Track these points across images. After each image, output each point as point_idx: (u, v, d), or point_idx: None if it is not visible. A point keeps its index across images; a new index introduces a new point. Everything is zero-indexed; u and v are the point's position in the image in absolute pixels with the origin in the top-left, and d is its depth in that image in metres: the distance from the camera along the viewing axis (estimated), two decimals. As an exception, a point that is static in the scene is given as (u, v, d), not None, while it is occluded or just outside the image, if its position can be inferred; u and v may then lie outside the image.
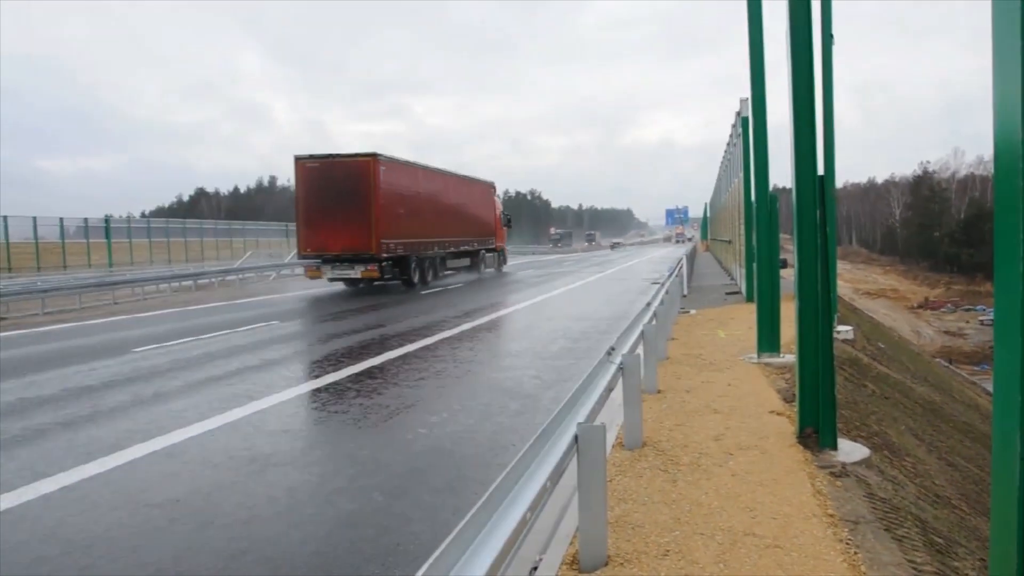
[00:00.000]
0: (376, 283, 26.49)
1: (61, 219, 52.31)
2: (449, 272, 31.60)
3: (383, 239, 25.01)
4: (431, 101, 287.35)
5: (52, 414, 8.58)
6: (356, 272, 25.46)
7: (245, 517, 5.20)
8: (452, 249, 31.64)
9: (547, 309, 19.22)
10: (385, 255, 25.21)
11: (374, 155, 24.99)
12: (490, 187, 39.68)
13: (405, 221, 26.71)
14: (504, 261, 41.46)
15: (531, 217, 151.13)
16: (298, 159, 26.09)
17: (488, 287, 28.55)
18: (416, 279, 27.39)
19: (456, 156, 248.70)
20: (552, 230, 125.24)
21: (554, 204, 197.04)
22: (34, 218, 49.53)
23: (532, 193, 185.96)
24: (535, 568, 4.20)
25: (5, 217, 47.32)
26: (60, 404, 9.11)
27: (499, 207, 41.10)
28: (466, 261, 33.99)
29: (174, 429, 7.60)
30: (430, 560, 2.31)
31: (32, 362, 12.81)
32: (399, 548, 4.58)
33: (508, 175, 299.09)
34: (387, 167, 25.67)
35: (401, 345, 12.87)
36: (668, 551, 4.21)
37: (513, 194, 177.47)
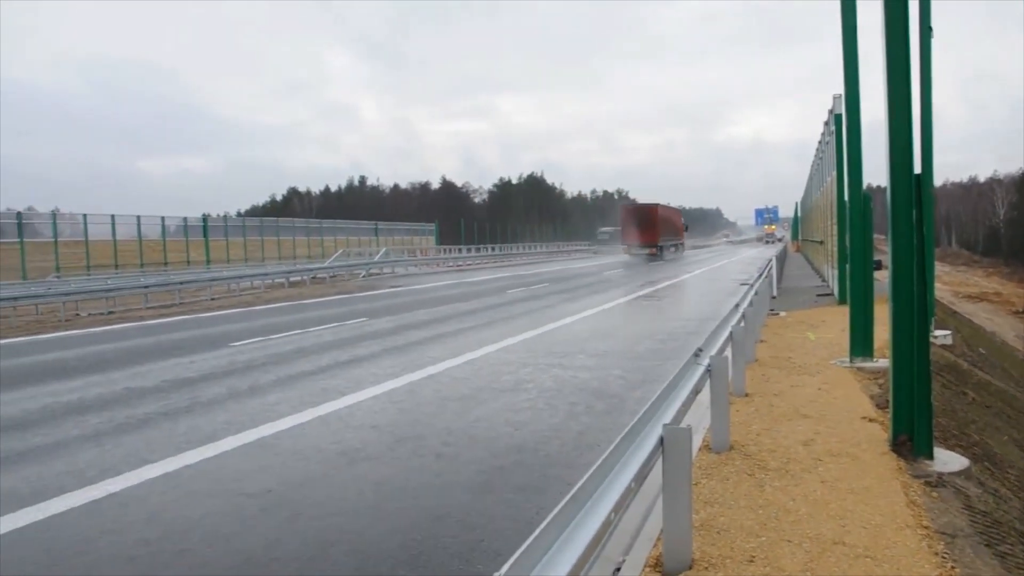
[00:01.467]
0: (652, 258, 55.80)
1: (163, 218, 54.28)
2: (671, 252, 63.66)
3: (657, 239, 57.54)
4: (518, 99, 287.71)
5: (154, 404, 8.96)
6: (645, 252, 56.67)
7: (334, 509, 5.33)
8: (671, 242, 65.39)
9: (633, 309, 19.10)
10: (656, 245, 57.57)
11: (656, 204, 61.05)
12: (680, 211, 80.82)
13: (660, 230, 58.88)
14: (683, 249, 74.56)
15: (617, 216, 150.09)
16: (623, 205, 73.39)
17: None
18: (661, 256, 57.96)
19: (542, 154, 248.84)
20: (600, 229, 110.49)
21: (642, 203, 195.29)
22: (138, 217, 51.56)
23: (619, 192, 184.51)
24: (618, 569, 4.20)
25: (112, 216, 49.43)
26: (161, 395, 9.50)
27: (682, 220, 76.51)
28: (673, 250, 66.25)
29: (267, 422, 7.85)
30: (513, 557, 2.33)
31: (136, 354, 13.38)
32: (482, 544, 4.63)
33: (596, 173, 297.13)
34: (659, 207, 60.57)
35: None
36: (754, 557, 4.15)
37: (600, 193, 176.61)
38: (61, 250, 46.38)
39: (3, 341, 17.16)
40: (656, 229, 57.58)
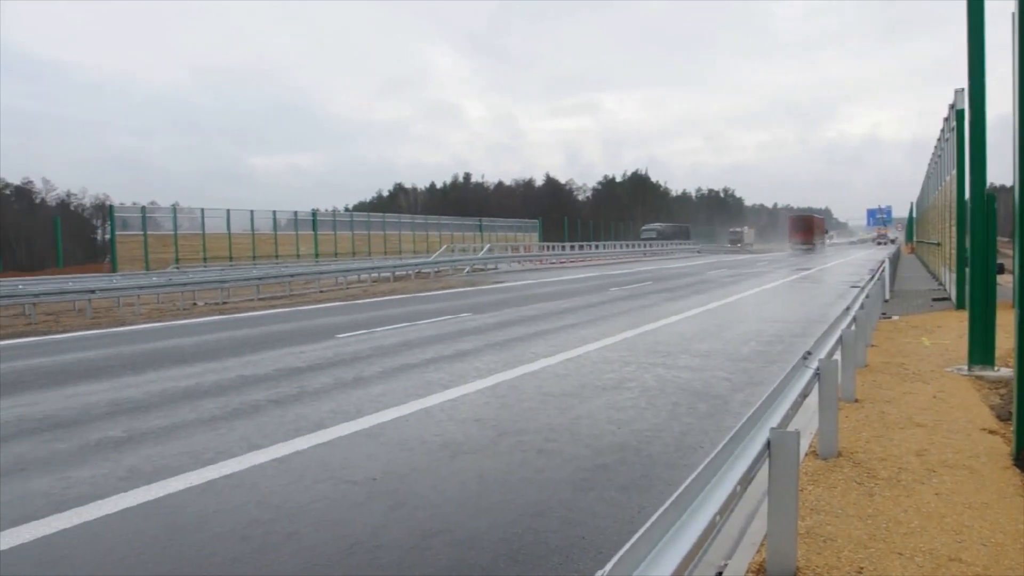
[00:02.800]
0: (809, 250, 78.39)
1: (274, 212, 56.04)
2: (820, 247, 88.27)
3: (812, 239, 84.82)
4: (621, 96, 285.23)
5: (265, 392, 9.29)
6: (805, 247, 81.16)
7: (437, 500, 5.42)
8: (820, 240, 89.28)
9: (738, 310, 18.74)
10: (812, 243, 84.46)
11: (812, 215, 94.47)
12: (823, 218, 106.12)
13: (815, 232, 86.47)
14: (824, 245, 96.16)
15: (723, 216, 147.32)
16: (790, 216, 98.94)
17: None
18: (815, 250, 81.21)
19: (646, 152, 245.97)
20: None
21: (748, 202, 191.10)
22: (251, 211, 53.41)
23: (725, 191, 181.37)
24: (719, 574, 4.14)
25: (228, 210, 51.35)
26: (272, 383, 9.84)
27: (825, 224, 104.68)
28: (821, 244, 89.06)
29: (372, 412, 8.04)
30: (617, 556, 2.33)
31: (248, 344, 13.88)
32: (583, 541, 4.64)
33: (700, 172, 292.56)
34: (814, 217, 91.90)
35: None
36: (862, 569, 4.03)
37: (705, 192, 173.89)
38: (180, 242, 48.50)
39: (128, 328, 18.07)
40: (812, 232, 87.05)
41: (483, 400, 8.70)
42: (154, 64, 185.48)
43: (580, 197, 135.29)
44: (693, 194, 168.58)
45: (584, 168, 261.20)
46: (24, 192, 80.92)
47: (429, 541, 4.67)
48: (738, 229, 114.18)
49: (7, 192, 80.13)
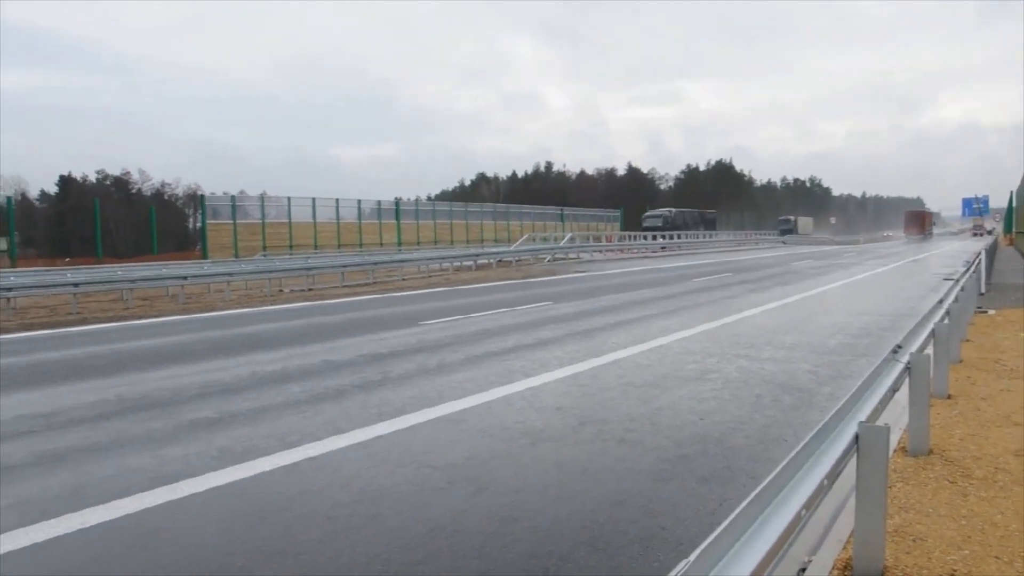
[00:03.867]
0: (923, 239, 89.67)
1: (359, 201, 56.97)
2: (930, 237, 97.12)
3: (924, 230, 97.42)
4: (704, 84, 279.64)
5: (349, 377, 9.47)
6: (919, 237, 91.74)
7: (517, 486, 5.45)
8: (930, 231, 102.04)
9: (824, 302, 18.30)
10: (924, 234, 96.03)
11: (924, 211, 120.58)
12: (931, 213, 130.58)
13: (926, 225, 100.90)
14: (931, 235, 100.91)
15: (810, 205, 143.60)
16: (906, 211, 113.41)
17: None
18: (926, 239, 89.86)
19: (730, 140, 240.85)
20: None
21: (835, 191, 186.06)
22: (336, 200, 54.40)
23: (812, 180, 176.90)
24: (803, 570, 4.06)
25: (313, 199, 52.36)
26: (356, 368, 10.03)
27: (932, 217, 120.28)
28: (930, 235, 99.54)
29: (454, 399, 8.12)
30: (701, 547, 2.31)
31: (332, 330, 14.18)
32: (663, 532, 4.60)
33: (786, 160, 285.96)
34: (925, 212, 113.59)
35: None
36: (955, 571, 3.90)
37: (791, 181, 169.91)
38: (267, 230, 49.66)
39: (217, 313, 18.64)
40: (924, 224, 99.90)
41: (564, 388, 8.70)
42: (238, 58, 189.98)
43: (662, 187, 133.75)
44: (778, 183, 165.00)
45: (666, 157, 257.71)
46: (122, 183, 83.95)
47: (509, 527, 4.70)
48: (789, 217, 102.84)
49: (107, 183, 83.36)
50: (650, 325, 14.02)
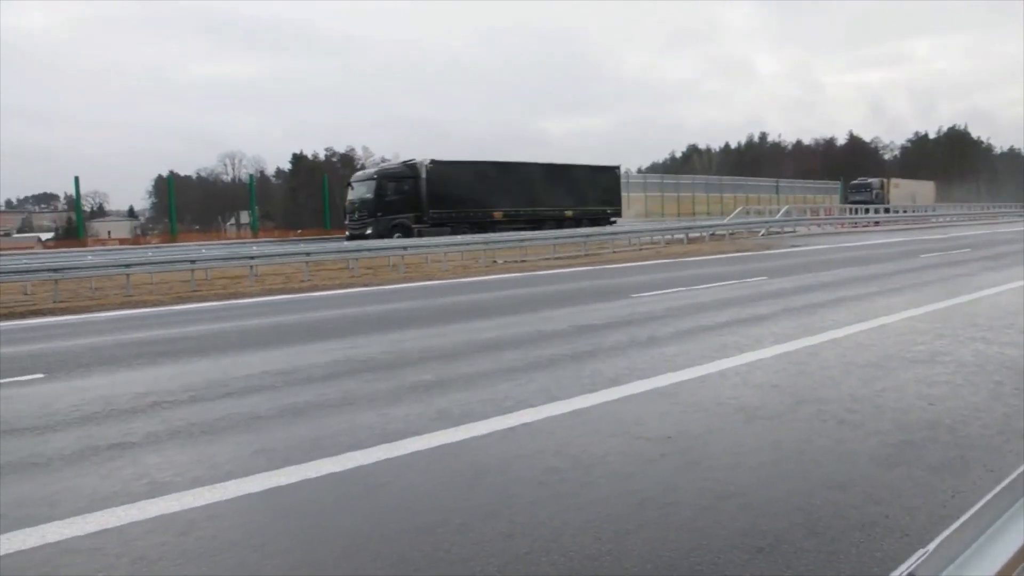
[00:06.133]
0: None
1: (569, 173, 57.09)
2: None
3: None
4: (937, 42, 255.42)
5: (561, 347, 9.63)
6: None
7: (730, 463, 5.35)
8: None
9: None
10: None
11: None
12: None
13: None
14: None
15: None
16: None
17: None
18: None
19: (966, 104, 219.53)
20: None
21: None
22: (546, 174, 54.81)
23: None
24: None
25: (526, 171, 53.12)
26: (568, 339, 10.18)
27: None
28: None
29: (666, 372, 8.06)
30: (938, 539, 2.16)
31: (544, 300, 14.49)
32: (887, 520, 4.37)
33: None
34: None
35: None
36: None
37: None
38: (483, 202, 50.96)
39: (435, 282, 19.48)
40: None
41: (780, 366, 8.42)
42: (443, 32, 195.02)
43: (887, 156, 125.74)
44: (1023, 151, 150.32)
45: (891, 124, 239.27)
46: (347, 159, 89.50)
47: (722, 503, 4.63)
48: (867, 181, 73.91)
49: (334, 159, 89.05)
50: (873, 303, 13.27)
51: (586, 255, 28.11)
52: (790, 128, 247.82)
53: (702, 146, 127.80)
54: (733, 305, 13.12)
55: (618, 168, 51.37)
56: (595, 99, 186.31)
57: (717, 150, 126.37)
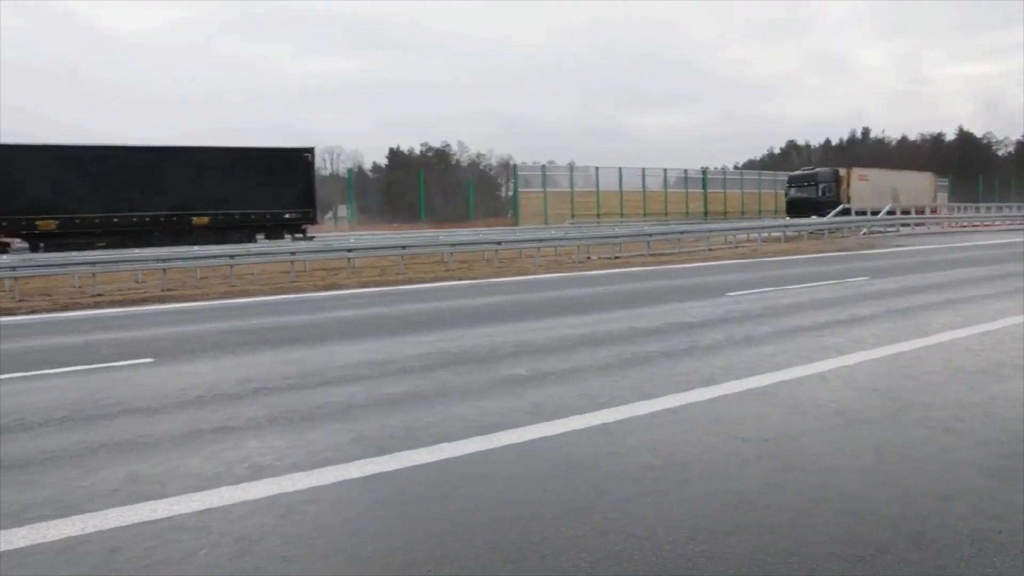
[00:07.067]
0: None
1: (664, 170, 56.86)
2: None
3: None
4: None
5: (656, 344, 9.55)
6: None
7: (830, 467, 5.20)
8: None
9: None
10: None
11: None
12: None
13: None
14: None
15: None
16: None
17: None
18: None
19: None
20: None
21: None
22: (643, 169, 54.75)
23: None
24: None
25: (620, 168, 53.10)
26: (662, 336, 10.09)
27: None
28: None
29: (763, 372, 7.90)
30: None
31: (639, 297, 14.40)
32: (999, 536, 4.16)
33: None
34: None
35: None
36: None
37: None
38: (575, 199, 51.07)
39: (528, 277, 19.55)
40: None
41: (882, 369, 8.16)
42: (531, 27, 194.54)
43: (1001, 152, 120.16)
44: None
45: (1007, 118, 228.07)
46: (443, 154, 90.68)
47: (821, 508, 4.51)
48: (813, 171, 55.39)
49: (429, 154, 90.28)
50: (983, 306, 12.71)
51: (680, 252, 27.76)
52: (894, 123, 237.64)
53: (800, 142, 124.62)
54: (833, 305, 12.77)
55: (308, 153, 37.59)
56: (687, 94, 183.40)
57: (817, 146, 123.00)
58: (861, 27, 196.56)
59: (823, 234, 37.58)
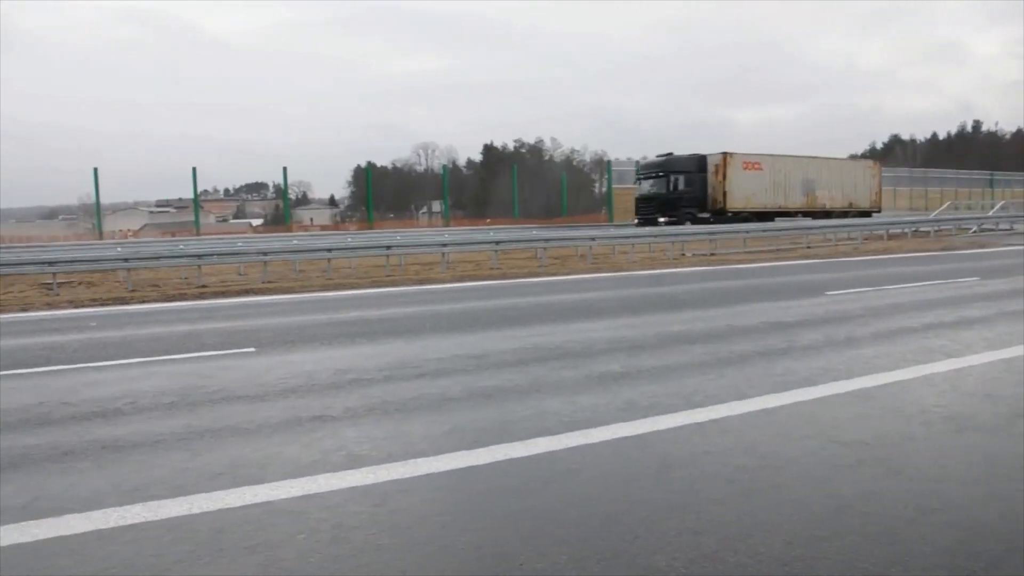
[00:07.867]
0: None
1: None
2: None
3: None
4: None
5: (753, 343, 9.38)
6: None
7: (936, 475, 5.00)
8: None
9: None
10: None
11: None
12: None
13: None
14: None
15: None
16: None
17: None
18: None
19: None
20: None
21: None
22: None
23: None
24: None
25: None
26: (759, 335, 9.89)
27: None
28: None
29: (864, 374, 7.65)
30: None
31: (736, 295, 14.20)
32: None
33: None
34: None
35: None
36: None
37: None
38: (669, 195, 50.33)
39: (623, 273, 19.44)
40: None
41: (995, 373, 7.80)
42: (626, 23, 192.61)
43: None
44: None
45: None
46: (536, 150, 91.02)
47: (927, 518, 4.33)
48: (670, 157, 43.81)
49: (523, 150, 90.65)
50: (1107, 310, 12.04)
51: (778, 250, 27.16)
52: (1009, 115, 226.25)
53: (905, 136, 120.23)
54: (939, 306, 12.29)
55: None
56: (787, 87, 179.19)
57: (923, 140, 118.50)
58: (973, 14, 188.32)
59: (928, 233, 36.18)
